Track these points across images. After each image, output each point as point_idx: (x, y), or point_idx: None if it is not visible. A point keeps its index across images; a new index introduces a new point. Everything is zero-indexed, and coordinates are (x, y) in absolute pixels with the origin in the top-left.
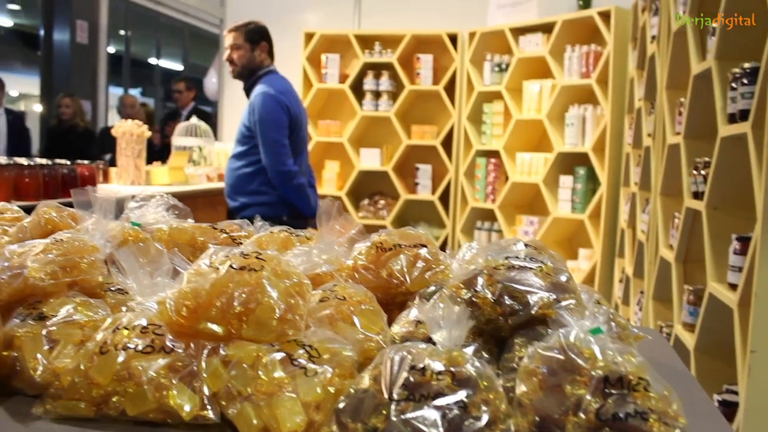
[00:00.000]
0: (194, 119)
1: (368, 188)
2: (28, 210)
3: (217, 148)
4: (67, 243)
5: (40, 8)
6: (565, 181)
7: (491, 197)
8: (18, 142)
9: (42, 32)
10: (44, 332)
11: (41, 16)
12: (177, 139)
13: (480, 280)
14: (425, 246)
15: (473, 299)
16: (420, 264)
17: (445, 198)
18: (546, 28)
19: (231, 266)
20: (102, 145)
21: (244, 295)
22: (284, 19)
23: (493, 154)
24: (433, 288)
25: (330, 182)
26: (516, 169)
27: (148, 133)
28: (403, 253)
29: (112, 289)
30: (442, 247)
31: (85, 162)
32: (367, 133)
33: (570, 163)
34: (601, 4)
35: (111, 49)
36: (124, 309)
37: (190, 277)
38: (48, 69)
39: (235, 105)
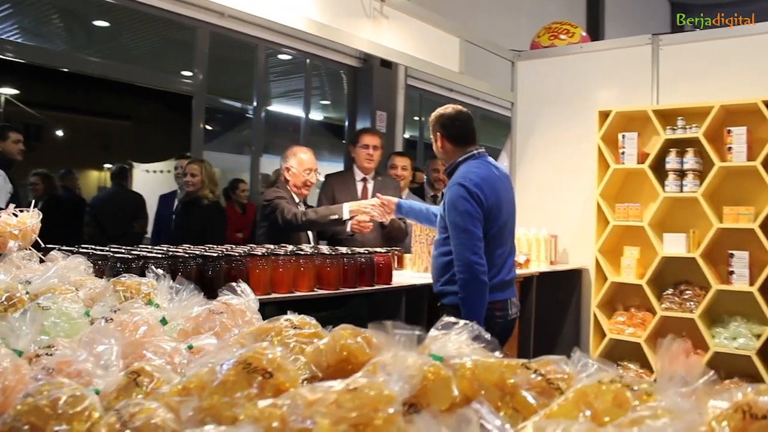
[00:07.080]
0: None
1: (673, 276)
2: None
3: None
4: (361, 393)
5: (345, 103)
6: None
7: None
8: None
9: (347, 124)
10: None
11: (346, 110)
12: None
13: None
14: None
15: None
16: None
17: (766, 289)
18: None
19: None
20: None
21: None
22: (577, 99)
23: None
24: None
25: (629, 269)
26: None
27: None
28: None
29: None
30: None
31: (381, 250)
32: (671, 215)
33: None
34: None
35: (406, 135)
36: None
37: None
38: (351, 155)
39: (525, 189)
